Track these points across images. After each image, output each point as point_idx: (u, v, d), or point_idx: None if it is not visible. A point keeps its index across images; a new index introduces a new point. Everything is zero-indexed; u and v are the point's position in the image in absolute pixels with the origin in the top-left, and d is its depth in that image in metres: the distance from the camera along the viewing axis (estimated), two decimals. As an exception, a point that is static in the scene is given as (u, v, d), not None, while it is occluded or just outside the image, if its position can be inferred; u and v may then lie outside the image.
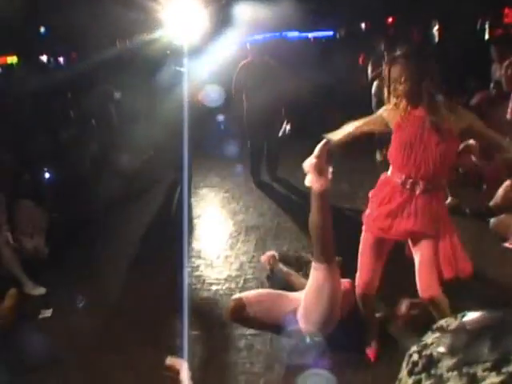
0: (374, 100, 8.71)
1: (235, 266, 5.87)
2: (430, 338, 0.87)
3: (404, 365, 0.88)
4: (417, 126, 3.61)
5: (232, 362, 4.25)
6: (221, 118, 12.35)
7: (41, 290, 5.59)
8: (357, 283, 4.10)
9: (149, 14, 12.71)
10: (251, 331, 4.58)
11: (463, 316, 0.90)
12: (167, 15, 11.14)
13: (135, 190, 8.59)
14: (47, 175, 8.09)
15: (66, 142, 8.87)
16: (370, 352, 4.23)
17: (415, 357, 0.86)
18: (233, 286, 5.46)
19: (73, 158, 8.62)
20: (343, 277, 4.38)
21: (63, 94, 10.58)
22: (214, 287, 5.48)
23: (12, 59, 23.01)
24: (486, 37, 19.80)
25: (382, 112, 3.86)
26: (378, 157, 8.60)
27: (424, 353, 0.85)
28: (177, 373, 3.94)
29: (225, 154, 10.01)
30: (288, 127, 8.64)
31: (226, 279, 5.58)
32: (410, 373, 0.85)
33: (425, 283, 3.74)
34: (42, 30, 24.66)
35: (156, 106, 8.29)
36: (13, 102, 9.28)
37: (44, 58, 23.30)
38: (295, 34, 28.63)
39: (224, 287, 5.44)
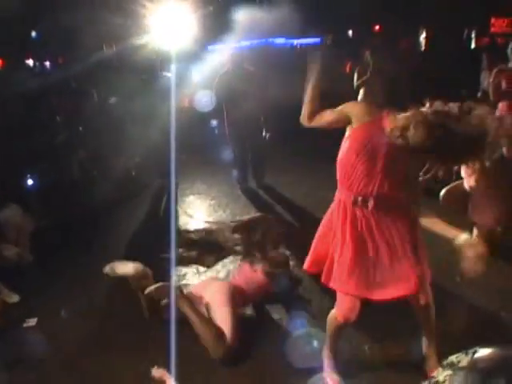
0: None
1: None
2: (441, 375, 0.83)
3: None
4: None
5: (221, 372, 4.19)
6: (214, 123, 12.33)
7: (15, 298, 5.49)
8: (337, 313, 3.76)
9: (136, 19, 12.67)
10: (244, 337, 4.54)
11: (474, 353, 0.85)
12: (155, 20, 11.11)
13: (122, 196, 8.53)
14: (33, 180, 8.02)
15: (54, 147, 8.77)
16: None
17: None
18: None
19: (60, 162, 8.54)
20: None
21: (49, 98, 10.47)
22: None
23: (-3, 63, 22.89)
24: (473, 46, 19.91)
25: (345, 108, 3.64)
26: None
27: None
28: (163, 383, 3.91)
29: (213, 160, 10.00)
30: (267, 135, 8.64)
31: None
32: None
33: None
34: (32, 33, 24.51)
35: (145, 111, 8.24)
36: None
37: (30, 62, 23.16)
38: (281, 40, 28.69)
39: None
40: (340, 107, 3.65)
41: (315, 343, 4.32)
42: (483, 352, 0.84)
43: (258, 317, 5.00)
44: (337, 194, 3.76)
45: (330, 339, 3.99)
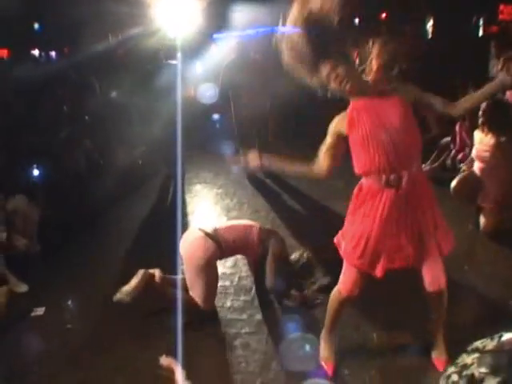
0: None
1: (229, 263, 5.80)
2: (467, 358, 0.82)
3: None
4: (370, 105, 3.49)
5: (227, 361, 4.19)
6: (216, 116, 12.29)
7: (23, 288, 5.50)
8: (341, 287, 3.80)
9: (141, 8, 12.62)
10: (247, 330, 4.54)
11: (500, 337, 0.84)
12: (160, 10, 11.06)
13: (129, 186, 8.52)
14: (40, 171, 8.02)
15: (60, 137, 8.77)
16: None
17: (454, 377, 0.80)
18: (227, 283, 5.41)
19: (66, 153, 8.53)
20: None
21: (54, 88, 10.46)
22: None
23: (2, 53, 22.86)
24: (481, 33, 19.78)
25: (333, 128, 3.71)
26: None
27: (464, 373, 0.79)
28: (171, 372, 3.91)
29: (218, 150, 9.98)
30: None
31: (220, 277, 5.50)
32: None
33: (431, 275, 3.64)
34: (37, 24, 24.48)
35: (150, 101, 8.22)
36: (4, 97, 9.19)
37: (36, 52, 23.15)
38: (287, 29, 28.60)
39: (218, 285, 5.37)
40: (328, 134, 3.76)
41: (309, 347, 4.30)
42: (508, 336, 0.83)
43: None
44: (361, 183, 3.75)
45: (331, 318, 4.01)
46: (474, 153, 6.19)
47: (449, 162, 7.99)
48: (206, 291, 4.73)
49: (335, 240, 3.90)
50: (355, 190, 3.75)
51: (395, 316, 4.57)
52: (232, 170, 8.96)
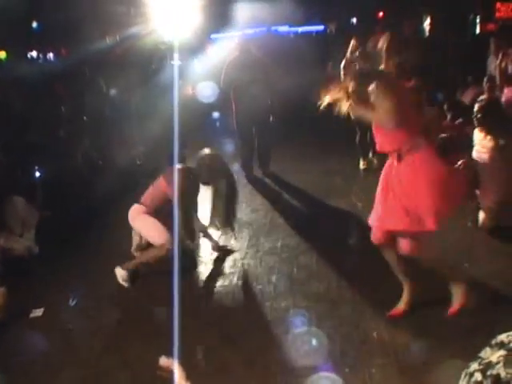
0: None
1: (229, 262, 5.80)
2: (492, 355, 0.78)
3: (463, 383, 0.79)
4: None
5: (227, 360, 4.17)
6: (216, 114, 12.29)
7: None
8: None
9: (140, 7, 12.62)
10: (247, 328, 4.52)
11: None
12: (158, 9, 11.06)
13: (128, 185, 8.49)
14: (38, 171, 8.00)
15: (58, 138, 8.76)
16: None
17: (478, 376, 0.77)
18: (226, 283, 5.40)
19: (65, 153, 8.52)
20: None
21: (53, 88, 10.46)
22: (207, 284, 5.41)
23: (1, 54, 22.85)
24: (477, 31, 19.82)
25: None
26: (362, 165, 8.63)
27: (489, 372, 0.76)
28: (171, 373, 3.88)
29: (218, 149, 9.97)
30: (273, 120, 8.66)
31: (219, 276, 5.51)
32: None
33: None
34: (35, 25, 24.49)
35: (149, 101, 8.21)
36: (3, 98, 9.20)
37: (34, 53, 23.17)
38: (285, 28, 28.62)
39: (217, 284, 5.37)
40: None
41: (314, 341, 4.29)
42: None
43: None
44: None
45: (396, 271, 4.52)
46: (473, 153, 6.18)
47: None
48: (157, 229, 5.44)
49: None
50: None
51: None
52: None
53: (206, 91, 8.87)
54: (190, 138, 8.29)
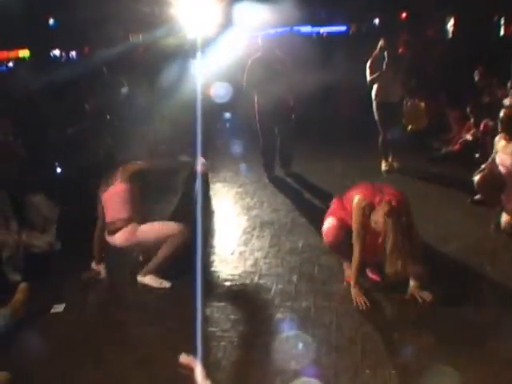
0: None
1: (250, 261, 5.79)
2: None
3: None
4: None
5: (247, 360, 4.17)
6: (228, 115, 12.30)
7: (17, 277, 5.57)
8: None
9: (162, 7, 12.67)
10: (267, 329, 4.51)
11: None
12: (180, 9, 11.09)
13: (148, 184, 8.52)
14: (59, 168, 8.06)
15: (81, 135, 8.82)
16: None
17: None
18: (247, 282, 5.38)
19: (87, 150, 8.56)
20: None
21: (76, 87, 10.53)
22: (228, 283, 5.41)
23: (24, 53, 23.06)
24: (502, 33, 19.67)
25: None
26: (384, 166, 8.60)
27: None
28: (191, 370, 3.89)
29: (236, 149, 9.99)
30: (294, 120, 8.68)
31: (240, 275, 5.50)
32: None
33: None
34: (51, 21, 24.67)
35: (167, 99, 8.22)
36: (25, 96, 9.26)
37: (56, 52, 23.34)
38: (308, 28, 28.63)
39: (238, 283, 5.36)
40: None
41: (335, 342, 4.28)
42: None
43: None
44: None
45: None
46: (497, 159, 6.14)
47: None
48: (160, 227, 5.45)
49: None
50: None
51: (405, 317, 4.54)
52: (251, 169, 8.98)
53: (222, 92, 8.88)
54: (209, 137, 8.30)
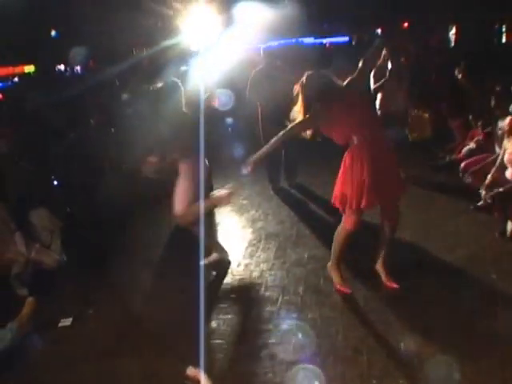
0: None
1: (255, 273, 5.81)
2: None
3: None
4: None
5: (253, 372, 4.18)
6: (229, 120, 12.33)
7: (25, 292, 5.60)
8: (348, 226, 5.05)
9: (164, 20, 12.77)
10: (273, 340, 4.52)
11: None
12: (182, 22, 11.17)
13: (153, 195, 8.56)
14: (63, 180, 8.11)
15: (86, 148, 8.86)
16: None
17: None
18: (253, 293, 5.40)
19: (91, 163, 8.61)
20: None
21: (80, 100, 10.60)
22: (234, 295, 5.43)
23: (29, 68, 23.19)
24: (504, 40, 19.70)
25: None
26: None
27: None
28: (198, 383, 3.91)
29: (240, 159, 9.99)
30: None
31: (246, 287, 5.52)
32: None
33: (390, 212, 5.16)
34: (53, 33, 24.80)
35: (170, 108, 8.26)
36: (31, 109, 9.33)
37: (61, 66, 23.47)
38: (310, 39, 28.73)
39: (244, 295, 5.38)
40: None
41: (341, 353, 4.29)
42: None
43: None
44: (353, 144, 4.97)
45: (338, 251, 5.22)
46: (505, 158, 6.16)
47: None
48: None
49: (333, 201, 5.19)
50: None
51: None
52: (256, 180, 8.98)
53: (224, 99, 8.91)
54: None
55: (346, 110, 4.91)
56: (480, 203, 6.72)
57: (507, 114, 6.75)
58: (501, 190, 5.99)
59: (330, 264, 5.36)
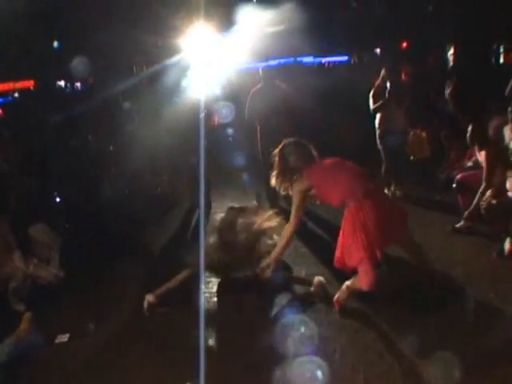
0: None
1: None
2: None
3: None
4: None
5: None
6: (230, 131, 12.41)
7: (22, 307, 5.61)
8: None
9: (164, 39, 12.84)
10: (271, 358, 4.51)
11: None
12: (184, 40, 11.23)
13: (152, 213, 8.57)
14: (62, 197, 8.13)
15: (85, 165, 8.90)
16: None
17: None
18: (252, 310, 5.42)
19: (92, 182, 8.64)
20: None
21: (79, 117, 10.63)
22: (231, 310, 5.44)
23: (30, 84, 23.24)
24: (501, 60, 19.78)
25: None
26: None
27: None
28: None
29: (238, 175, 10.00)
30: None
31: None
32: None
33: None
34: (56, 44, 24.82)
35: (175, 131, 8.30)
36: (30, 127, 9.36)
37: (62, 83, 23.52)
38: (310, 59, 28.85)
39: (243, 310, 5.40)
40: None
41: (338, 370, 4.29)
42: None
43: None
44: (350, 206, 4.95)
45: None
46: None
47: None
48: None
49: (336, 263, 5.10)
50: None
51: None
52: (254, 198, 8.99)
53: (225, 112, 8.95)
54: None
55: (330, 179, 5.11)
56: (459, 224, 6.77)
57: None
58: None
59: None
